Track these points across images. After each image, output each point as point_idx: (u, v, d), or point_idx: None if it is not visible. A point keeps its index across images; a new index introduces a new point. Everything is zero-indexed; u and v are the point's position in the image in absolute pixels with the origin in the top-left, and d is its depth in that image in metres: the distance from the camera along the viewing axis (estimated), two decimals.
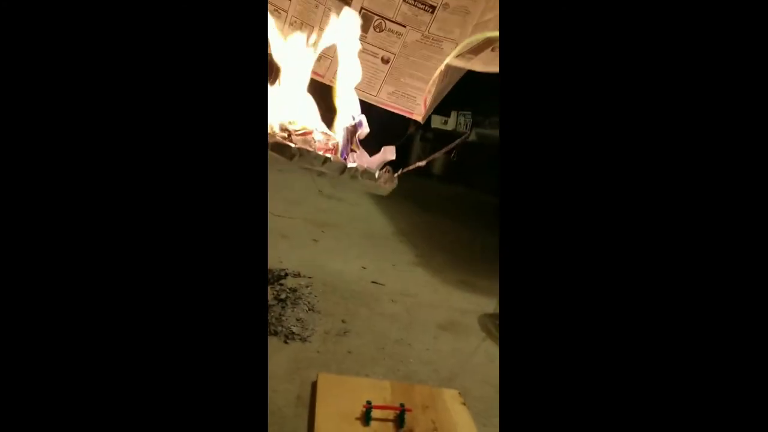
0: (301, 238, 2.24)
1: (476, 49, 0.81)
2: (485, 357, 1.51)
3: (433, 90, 0.95)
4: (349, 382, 1.19)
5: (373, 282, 1.92)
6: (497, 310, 1.87)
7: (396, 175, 0.87)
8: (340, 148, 0.88)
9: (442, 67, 0.91)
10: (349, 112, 0.91)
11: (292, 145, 0.81)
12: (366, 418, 1.01)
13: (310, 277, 1.81)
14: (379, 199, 2.88)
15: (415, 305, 1.79)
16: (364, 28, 0.96)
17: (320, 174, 0.84)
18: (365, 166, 0.86)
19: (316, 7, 0.97)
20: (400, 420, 1.03)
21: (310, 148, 0.82)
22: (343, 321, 1.55)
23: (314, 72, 1.04)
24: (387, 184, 0.85)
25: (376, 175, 0.84)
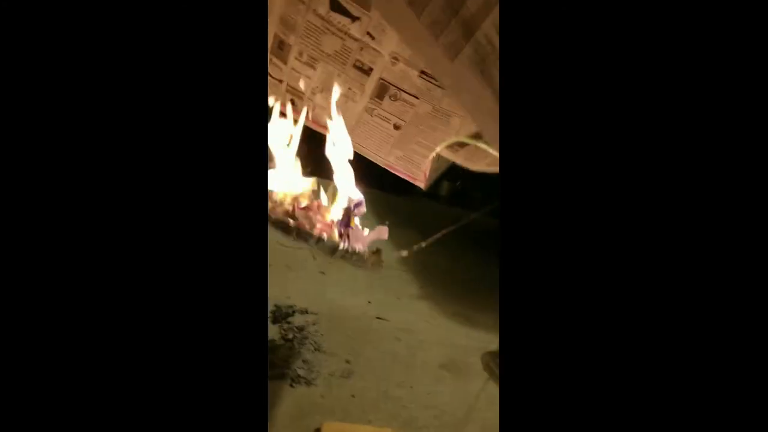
0: (309, 271, 2.26)
1: (463, 145, 0.86)
2: (486, 401, 1.53)
3: (432, 163, 0.99)
4: (352, 431, 1.22)
5: (377, 318, 1.94)
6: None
7: (383, 259, 0.92)
8: (337, 224, 0.93)
9: (433, 154, 0.96)
10: (347, 191, 0.96)
11: (291, 222, 0.87)
12: None
13: (316, 314, 1.84)
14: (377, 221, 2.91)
15: (418, 343, 1.81)
16: (380, 96, 1.02)
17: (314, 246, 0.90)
18: (357, 244, 0.91)
19: (338, 75, 1.02)
20: None
21: (309, 224, 0.88)
22: (347, 361, 1.57)
23: (313, 122, 1.09)
24: (373, 267, 0.90)
25: (365, 257, 0.89)
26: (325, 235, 0.89)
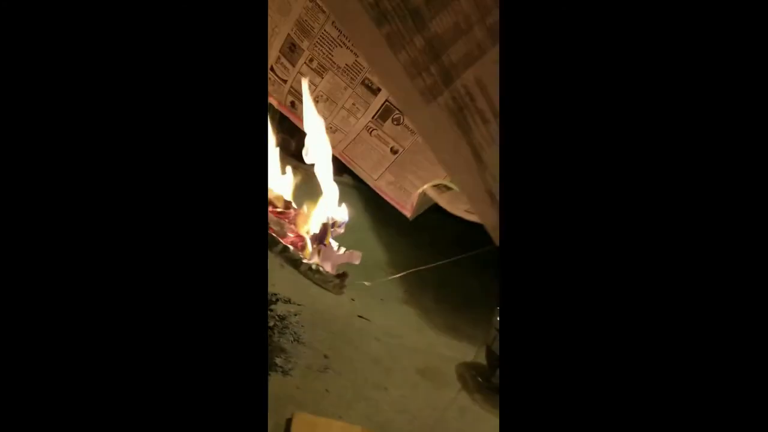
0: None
1: (447, 188, 0.87)
2: (458, 411, 1.57)
3: (419, 197, 1.01)
4: (323, 424, 1.26)
5: (359, 316, 1.97)
6: (477, 359, 1.92)
7: (346, 284, 0.93)
8: (310, 239, 0.95)
9: (421, 190, 0.98)
10: (330, 206, 0.97)
11: None
12: None
13: (299, 305, 1.86)
14: (375, 227, 2.93)
15: (398, 347, 1.84)
16: (383, 118, 1.04)
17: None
18: (326, 263, 0.93)
19: (345, 89, 1.05)
20: None
21: (279, 232, 0.89)
22: (325, 356, 1.61)
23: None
24: (334, 290, 0.92)
25: (328, 279, 0.91)
26: (291, 247, 0.91)
